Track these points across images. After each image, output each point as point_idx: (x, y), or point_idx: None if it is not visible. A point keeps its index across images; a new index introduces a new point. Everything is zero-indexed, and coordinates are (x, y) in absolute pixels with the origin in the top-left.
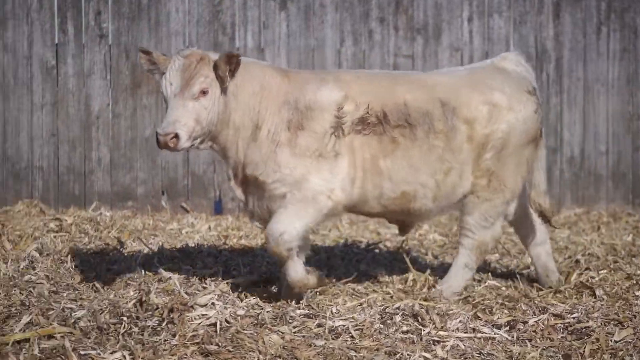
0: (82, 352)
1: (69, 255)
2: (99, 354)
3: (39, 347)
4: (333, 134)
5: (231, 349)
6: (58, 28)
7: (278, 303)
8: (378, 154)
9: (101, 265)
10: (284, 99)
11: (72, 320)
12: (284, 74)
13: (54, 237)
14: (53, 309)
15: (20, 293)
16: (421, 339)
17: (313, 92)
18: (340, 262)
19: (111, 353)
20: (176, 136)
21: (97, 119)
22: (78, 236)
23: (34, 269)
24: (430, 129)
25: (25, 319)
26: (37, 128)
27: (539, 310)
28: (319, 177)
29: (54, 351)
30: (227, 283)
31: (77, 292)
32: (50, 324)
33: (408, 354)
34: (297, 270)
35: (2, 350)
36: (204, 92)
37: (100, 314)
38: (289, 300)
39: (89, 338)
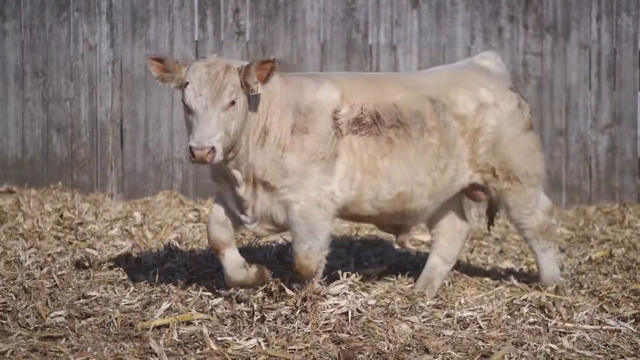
0: (219, 338)
1: (206, 244)
2: (235, 340)
3: (177, 333)
4: (335, 135)
5: (362, 337)
6: (198, 25)
7: (408, 294)
8: (376, 155)
9: None
10: (286, 103)
11: (210, 308)
12: (281, 77)
13: (193, 227)
14: (191, 296)
15: (160, 281)
16: (547, 330)
17: (312, 93)
18: (469, 255)
19: (247, 339)
20: (213, 150)
21: None
22: None
23: (173, 257)
24: (423, 127)
25: (165, 305)
26: (177, 122)
27: None
28: (322, 182)
29: (192, 337)
30: (358, 273)
31: (214, 280)
32: (189, 311)
33: (535, 345)
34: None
35: (143, 335)
36: (232, 103)
37: (237, 301)
38: None
39: (226, 325)
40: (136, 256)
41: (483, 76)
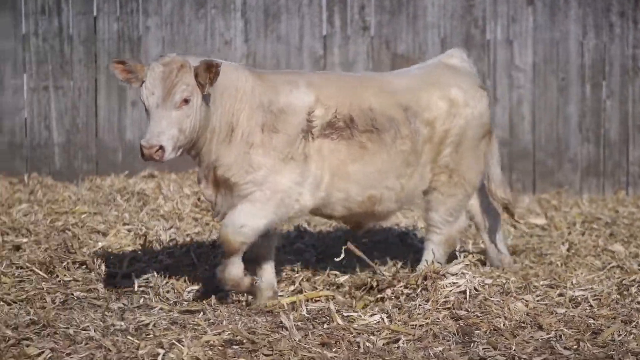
0: (344, 314)
1: (334, 226)
2: (360, 316)
3: (306, 308)
4: (304, 137)
5: (479, 315)
6: (326, 21)
7: (522, 273)
8: (346, 159)
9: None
10: (259, 102)
11: (336, 286)
12: (257, 76)
13: None
14: (319, 274)
15: (290, 260)
16: None
17: (286, 95)
18: (581, 237)
19: (371, 315)
20: (161, 148)
21: None
22: None
23: (302, 237)
24: (397, 134)
25: (295, 284)
26: None
27: None
28: (291, 180)
29: (320, 312)
30: (475, 254)
31: (342, 259)
32: (316, 288)
33: None
34: (237, 269)
35: (275, 310)
36: (186, 101)
37: (361, 280)
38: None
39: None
40: None
41: (453, 75)
